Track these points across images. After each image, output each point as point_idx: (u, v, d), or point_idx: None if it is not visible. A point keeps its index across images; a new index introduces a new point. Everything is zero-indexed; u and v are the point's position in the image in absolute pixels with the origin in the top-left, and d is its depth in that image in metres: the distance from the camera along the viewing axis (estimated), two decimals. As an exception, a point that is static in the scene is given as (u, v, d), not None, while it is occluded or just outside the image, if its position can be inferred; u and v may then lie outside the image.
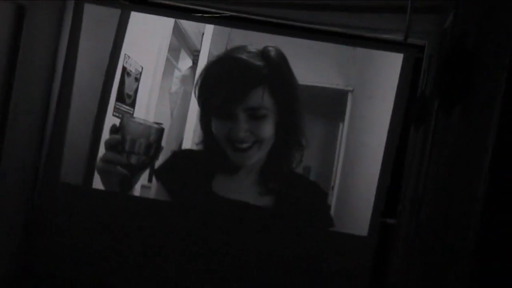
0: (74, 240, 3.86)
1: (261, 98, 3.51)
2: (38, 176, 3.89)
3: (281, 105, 3.58)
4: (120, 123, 3.44)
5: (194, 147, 3.89)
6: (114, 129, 3.47)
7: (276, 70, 3.58)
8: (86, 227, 3.86)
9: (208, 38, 4.06)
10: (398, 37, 3.55)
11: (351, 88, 3.94)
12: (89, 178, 3.86)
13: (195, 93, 3.71)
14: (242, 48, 3.66)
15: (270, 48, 3.60)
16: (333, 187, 3.93)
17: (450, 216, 2.26)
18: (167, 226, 3.85)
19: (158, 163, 3.75)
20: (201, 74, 3.71)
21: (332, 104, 3.98)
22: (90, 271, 3.86)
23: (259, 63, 3.54)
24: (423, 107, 3.04)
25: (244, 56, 3.57)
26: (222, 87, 3.62)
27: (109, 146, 3.41)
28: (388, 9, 3.34)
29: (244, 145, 3.55)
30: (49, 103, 3.89)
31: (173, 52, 4.18)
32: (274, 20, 3.77)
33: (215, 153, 3.65)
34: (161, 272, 3.87)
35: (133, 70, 3.99)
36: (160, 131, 3.45)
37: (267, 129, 3.55)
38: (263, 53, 3.57)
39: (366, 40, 3.80)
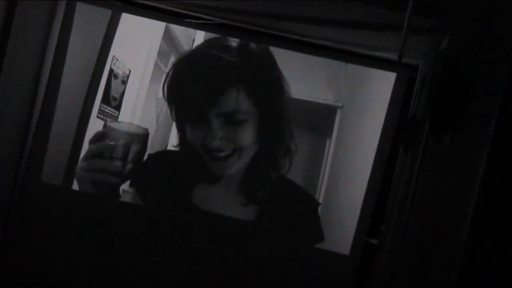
0: (51, 241, 3.82)
1: (236, 100, 3.23)
2: (18, 174, 3.85)
3: (262, 107, 3.31)
4: (105, 128, 3.31)
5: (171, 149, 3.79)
6: (98, 136, 3.26)
7: (256, 65, 3.34)
8: (64, 228, 3.82)
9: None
10: (392, 55, 3.54)
11: (340, 104, 3.93)
12: (69, 179, 3.81)
13: (163, 94, 3.45)
14: (217, 41, 3.40)
15: (251, 45, 3.38)
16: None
17: (435, 243, 2.25)
18: (146, 231, 3.80)
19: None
20: (168, 73, 3.45)
21: (320, 119, 3.96)
22: (65, 273, 3.82)
23: (234, 58, 3.29)
24: (413, 129, 3.03)
25: (215, 51, 3.32)
26: (191, 88, 3.36)
27: (96, 153, 3.22)
28: (383, 27, 3.32)
29: (222, 154, 3.29)
30: (35, 101, 3.85)
31: (162, 57, 4.15)
32: (266, 30, 3.74)
33: (194, 160, 3.43)
34: (136, 277, 3.82)
35: (121, 73, 3.96)
36: (147, 135, 3.34)
37: (247, 136, 3.29)
38: (240, 47, 3.34)
39: (360, 57, 3.77)
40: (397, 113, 3.69)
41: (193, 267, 3.73)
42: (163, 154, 3.76)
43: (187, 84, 3.40)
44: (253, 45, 3.41)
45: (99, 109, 3.91)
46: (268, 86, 3.41)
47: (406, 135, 3.08)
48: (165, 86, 3.42)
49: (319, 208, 3.72)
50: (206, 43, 3.51)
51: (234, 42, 3.41)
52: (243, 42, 3.42)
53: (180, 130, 3.46)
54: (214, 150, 3.29)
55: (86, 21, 3.85)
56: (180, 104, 3.41)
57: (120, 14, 3.86)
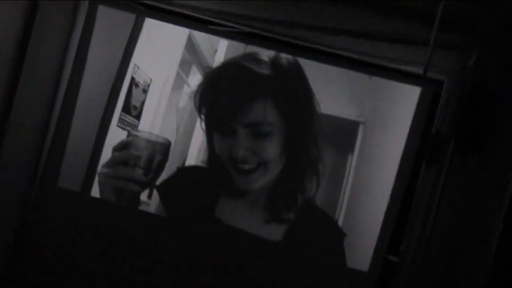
0: (66, 249, 3.82)
1: (263, 112, 3.27)
2: (36, 179, 3.86)
3: (289, 122, 3.33)
4: (130, 137, 3.36)
5: (200, 164, 3.83)
6: (123, 144, 3.24)
7: (285, 80, 3.37)
8: (81, 235, 3.82)
9: (221, 55, 4.04)
10: (417, 70, 3.52)
11: (363, 120, 3.91)
12: (88, 186, 3.81)
13: (194, 103, 3.49)
14: (251, 55, 3.45)
15: (282, 56, 3.41)
16: (337, 220, 3.90)
17: (457, 263, 2.22)
18: (164, 243, 3.79)
19: (160, 179, 3.70)
20: (201, 82, 3.51)
21: (342, 134, 3.95)
22: (79, 282, 3.82)
23: (265, 71, 3.33)
24: (437, 146, 3.01)
25: (248, 64, 3.37)
26: (220, 98, 3.38)
27: (120, 161, 3.20)
28: (410, 41, 3.31)
29: (247, 167, 3.32)
30: (54, 106, 3.87)
31: (184, 67, 4.15)
32: (292, 40, 3.73)
33: (220, 174, 3.45)
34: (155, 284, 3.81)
35: (142, 81, 3.97)
36: (169, 146, 3.39)
37: (272, 149, 3.30)
38: (273, 61, 3.37)
39: (384, 70, 3.74)
40: (420, 129, 3.63)
41: (210, 280, 3.72)
42: (193, 169, 3.81)
43: (217, 94, 3.42)
44: (284, 59, 3.42)
45: (119, 117, 3.92)
46: (297, 100, 3.41)
47: (430, 151, 3.06)
48: (197, 96, 3.46)
49: (345, 239, 3.66)
50: (243, 56, 3.52)
51: (266, 56, 3.42)
52: (275, 56, 3.42)
53: (209, 141, 3.49)
54: (239, 161, 3.32)
55: (108, 27, 3.85)
56: (209, 114, 3.44)
57: (143, 21, 3.86)
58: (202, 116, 3.51)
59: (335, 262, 3.64)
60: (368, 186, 3.82)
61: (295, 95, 3.41)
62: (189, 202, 3.68)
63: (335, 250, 3.64)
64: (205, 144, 3.62)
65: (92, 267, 3.79)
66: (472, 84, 2.44)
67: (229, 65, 3.55)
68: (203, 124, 3.55)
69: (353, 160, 3.89)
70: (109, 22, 3.85)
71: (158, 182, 3.52)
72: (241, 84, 3.38)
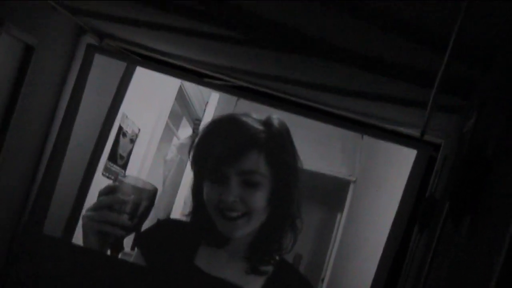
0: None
1: (256, 162, 3.38)
2: (20, 225, 3.83)
3: (277, 176, 3.42)
4: (117, 182, 3.38)
5: (183, 218, 3.81)
6: (110, 189, 3.36)
7: (276, 139, 3.45)
8: (61, 283, 3.77)
9: (212, 108, 4.05)
10: (414, 132, 3.53)
11: (354, 178, 3.91)
12: (70, 233, 3.78)
13: (189, 155, 3.57)
14: (244, 114, 3.57)
15: (274, 117, 3.51)
16: (323, 279, 3.86)
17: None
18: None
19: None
20: (199, 135, 3.59)
21: (332, 192, 3.94)
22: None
23: (259, 127, 3.43)
24: (431, 210, 3.00)
25: (243, 118, 3.49)
26: (216, 147, 3.47)
27: (106, 205, 3.24)
28: (407, 103, 3.32)
29: (234, 214, 3.37)
30: (43, 151, 3.85)
31: (174, 118, 4.15)
32: (285, 96, 3.76)
33: (203, 222, 3.49)
34: None
35: (130, 131, 3.96)
36: (156, 192, 3.41)
37: (259, 199, 3.38)
38: (266, 121, 3.47)
39: (380, 131, 3.75)
40: (415, 192, 3.61)
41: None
42: (173, 222, 3.88)
43: (213, 144, 3.51)
44: (275, 119, 3.50)
45: (105, 166, 3.90)
46: (285, 157, 3.48)
47: (423, 214, 3.05)
48: (194, 147, 3.53)
49: None
50: (237, 114, 3.63)
51: (261, 117, 3.52)
52: (269, 118, 3.49)
53: (197, 190, 3.53)
54: (227, 208, 3.38)
55: (98, 74, 3.86)
56: (203, 162, 3.50)
57: (134, 70, 3.86)
58: (196, 167, 3.55)
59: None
60: (357, 247, 3.80)
61: (284, 153, 3.48)
62: (168, 251, 3.67)
63: None
64: (190, 197, 3.63)
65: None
66: (469, 147, 2.44)
67: (225, 119, 3.65)
68: (193, 174, 3.58)
69: (342, 219, 3.88)
70: (99, 69, 3.84)
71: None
72: (237, 136, 3.47)
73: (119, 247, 3.54)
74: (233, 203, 3.37)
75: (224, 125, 3.60)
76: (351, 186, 3.88)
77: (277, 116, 3.54)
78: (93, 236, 3.36)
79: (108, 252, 3.53)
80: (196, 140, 3.56)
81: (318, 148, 3.88)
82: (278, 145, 3.48)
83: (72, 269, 3.76)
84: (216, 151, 3.47)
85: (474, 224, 2.26)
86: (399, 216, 3.60)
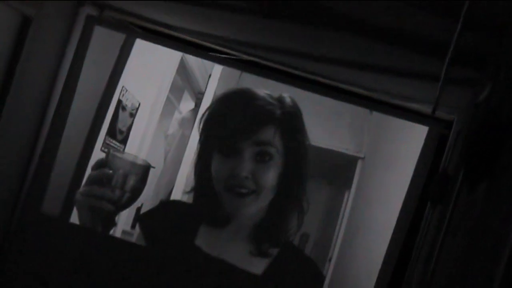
0: (43, 277, 3.77)
1: (273, 136, 3.38)
2: (17, 204, 3.82)
3: (289, 154, 3.42)
4: (106, 157, 3.39)
5: (185, 197, 3.80)
6: (100, 163, 3.37)
7: (289, 116, 3.45)
8: (59, 263, 3.77)
9: (215, 81, 4.02)
10: (424, 108, 3.50)
11: (362, 155, 3.90)
12: (67, 210, 3.76)
13: (199, 126, 3.55)
14: (257, 89, 3.55)
15: (285, 96, 3.50)
16: (330, 259, 3.85)
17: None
18: (142, 271, 3.75)
19: (143, 210, 3.68)
20: (210, 106, 3.60)
21: (339, 169, 3.93)
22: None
23: (275, 102, 3.44)
24: (444, 186, 2.99)
25: (260, 93, 3.48)
26: (232, 118, 3.49)
27: (95, 180, 3.25)
28: (418, 75, 3.29)
29: (244, 190, 3.36)
30: (41, 127, 3.83)
31: (176, 92, 4.12)
32: (291, 71, 3.73)
33: (206, 200, 3.48)
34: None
35: (129, 105, 3.93)
36: (147, 168, 3.41)
37: (270, 177, 3.37)
38: (279, 98, 3.46)
39: (389, 107, 3.72)
40: (426, 169, 3.55)
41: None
42: (176, 202, 3.90)
43: (227, 116, 3.52)
44: (288, 99, 3.49)
45: (104, 142, 3.88)
46: (296, 134, 3.47)
47: (435, 191, 3.04)
48: (203, 119, 3.53)
49: (324, 282, 3.64)
50: (249, 88, 3.59)
51: (273, 94, 3.51)
52: (281, 96, 3.48)
53: (203, 163, 3.52)
54: (238, 185, 3.36)
55: (96, 46, 3.83)
56: (215, 133, 3.51)
57: (134, 41, 3.83)
58: (205, 139, 3.54)
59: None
60: (366, 227, 3.79)
61: (296, 131, 3.47)
62: (169, 232, 3.66)
63: None
64: (193, 173, 3.62)
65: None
66: (484, 114, 2.42)
67: (240, 92, 3.62)
68: (199, 147, 3.56)
69: (350, 197, 3.87)
70: (97, 41, 3.81)
71: (141, 212, 3.54)
72: (253, 109, 3.45)
73: (110, 223, 3.56)
74: (244, 179, 3.35)
75: (239, 98, 3.58)
76: (359, 163, 3.87)
77: (288, 95, 3.54)
78: (85, 211, 3.36)
79: (100, 228, 3.54)
80: (207, 112, 3.55)
81: (325, 124, 3.86)
82: (291, 122, 3.46)
83: (70, 248, 3.76)
84: (231, 124, 3.46)
85: (490, 191, 2.25)
86: (410, 194, 3.57)
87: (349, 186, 3.84)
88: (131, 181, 3.24)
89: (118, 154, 3.31)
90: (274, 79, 3.62)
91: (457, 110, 3.47)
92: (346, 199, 3.87)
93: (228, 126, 3.47)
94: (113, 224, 3.61)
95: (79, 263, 3.74)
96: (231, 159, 3.38)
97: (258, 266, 3.49)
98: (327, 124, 3.84)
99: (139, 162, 3.27)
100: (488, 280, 1.78)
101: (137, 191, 3.30)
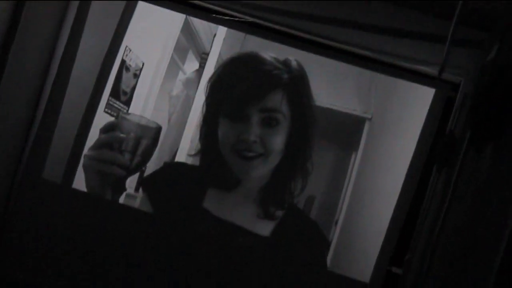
0: (45, 244, 3.79)
1: (280, 102, 3.36)
2: (18, 170, 3.83)
3: (295, 118, 3.41)
4: (118, 119, 3.35)
5: (189, 160, 3.79)
6: (109, 126, 3.33)
7: (296, 80, 3.41)
8: (62, 230, 3.79)
9: (220, 41, 3.99)
10: (431, 70, 3.47)
11: (369, 116, 3.88)
12: (70, 175, 3.78)
13: (205, 90, 3.53)
14: (263, 52, 3.49)
15: (291, 59, 3.45)
16: (336, 222, 3.86)
17: (465, 272, 2.20)
18: (149, 239, 3.76)
19: (146, 172, 3.67)
20: (216, 70, 3.55)
21: (346, 130, 3.92)
22: (59, 278, 3.79)
23: (281, 66, 3.39)
24: (450, 147, 2.98)
25: (266, 57, 3.42)
26: (239, 84, 3.43)
27: (105, 143, 3.13)
28: (424, 37, 3.26)
29: (251, 154, 3.34)
30: (42, 90, 3.82)
31: (180, 52, 4.09)
32: (295, 33, 3.70)
33: (213, 164, 3.45)
34: (137, 285, 3.78)
35: (133, 65, 3.91)
36: (159, 131, 3.37)
37: (278, 140, 3.36)
38: (285, 62, 3.42)
39: (395, 68, 3.70)
40: (433, 132, 3.56)
41: (197, 275, 3.70)
42: (180, 164, 3.88)
43: (235, 81, 3.47)
44: (294, 63, 3.43)
45: (107, 103, 3.86)
46: (303, 99, 3.44)
47: (442, 153, 3.03)
48: (209, 84, 3.50)
49: (329, 245, 3.67)
50: (255, 52, 3.53)
51: (279, 57, 3.47)
52: (287, 60, 3.42)
53: (209, 128, 3.51)
54: (245, 149, 3.34)
55: (101, 10, 3.81)
56: (221, 98, 3.47)
57: (136, 3, 3.82)
58: (211, 104, 3.52)
59: (316, 269, 3.63)
60: (373, 188, 3.78)
61: (303, 95, 3.45)
62: (175, 195, 3.65)
63: (317, 257, 3.60)
64: (198, 136, 3.61)
65: (75, 263, 3.77)
66: (492, 74, 2.40)
67: (246, 56, 3.56)
68: (205, 112, 3.53)
69: (357, 159, 3.87)
70: (99, 2, 3.79)
71: (144, 175, 3.53)
72: (261, 74, 3.42)
73: (120, 188, 3.54)
74: (252, 143, 3.34)
75: (246, 63, 3.53)
76: (367, 124, 3.85)
77: (293, 57, 3.52)
78: (93, 176, 3.33)
79: (110, 193, 3.53)
80: (214, 77, 3.52)
81: (332, 85, 3.84)
82: (298, 87, 3.43)
83: (73, 215, 3.78)
84: (239, 90, 3.43)
85: (498, 151, 2.24)
86: (417, 156, 3.55)
87: (356, 148, 3.84)
88: (142, 145, 3.20)
89: (129, 117, 3.27)
90: (279, 42, 3.61)
91: (464, 72, 3.44)
92: (353, 161, 3.87)
93: (235, 91, 3.44)
94: (123, 189, 3.58)
95: (82, 230, 3.75)
96: (239, 124, 3.36)
97: (265, 229, 3.50)
98: (334, 85, 3.82)
99: (151, 124, 3.23)
100: (494, 242, 1.79)
101: (148, 154, 3.26)
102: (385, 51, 3.58)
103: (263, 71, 3.41)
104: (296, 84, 3.41)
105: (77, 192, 3.64)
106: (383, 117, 3.83)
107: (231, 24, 3.75)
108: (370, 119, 3.83)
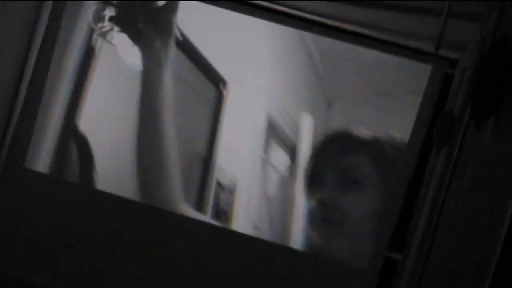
0: (29, 234, 3.80)
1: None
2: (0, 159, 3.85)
3: None
4: None
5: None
6: None
7: None
8: (45, 220, 3.80)
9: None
10: (428, 46, 3.46)
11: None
12: (55, 167, 3.83)
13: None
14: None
15: None
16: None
17: (465, 257, 2.20)
18: (134, 227, 3.82)
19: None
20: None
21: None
22: (43, 270, 3.80)
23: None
24: (450, 126, 2.98)
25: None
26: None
27: None
28: (421, 11, 3.27)
29: None
30: (23, 75, 3.84)
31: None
32: (289, 11, 3.71)
33: None
34: (121, 275, 3.79)
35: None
36: None
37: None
38: None
39: (392, 45, 3.69)
40: (431, 110, 3.56)
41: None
42: None
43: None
44: None
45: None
46: None
47: (441, 131, 3.02)
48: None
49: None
50: None
51: None
52: None
53: None
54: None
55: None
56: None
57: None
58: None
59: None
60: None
61: None
62: None
63: None
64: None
65: (59, 254, 3.78)
66: (491, 48, 2.40)
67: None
68: None
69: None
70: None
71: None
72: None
73: None
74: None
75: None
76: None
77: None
78: None
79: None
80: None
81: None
82: None
83: (55, 203, 3.81)
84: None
85: (498, 125, 2.25)
86: (415, 136, 3.58)
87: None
88: None
89: None
90: (272, 20, 3.75)
91: (463, 47, 3.44)
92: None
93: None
94: None
95: (67, 219, 3.76)
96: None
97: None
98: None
99: None
100: (497, 218, 1.79)
101: None
102: (382, 27, 3.59)
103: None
104: None
105: (60, 181, 3.66)
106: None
107: (237, 8, 3.77)
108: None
